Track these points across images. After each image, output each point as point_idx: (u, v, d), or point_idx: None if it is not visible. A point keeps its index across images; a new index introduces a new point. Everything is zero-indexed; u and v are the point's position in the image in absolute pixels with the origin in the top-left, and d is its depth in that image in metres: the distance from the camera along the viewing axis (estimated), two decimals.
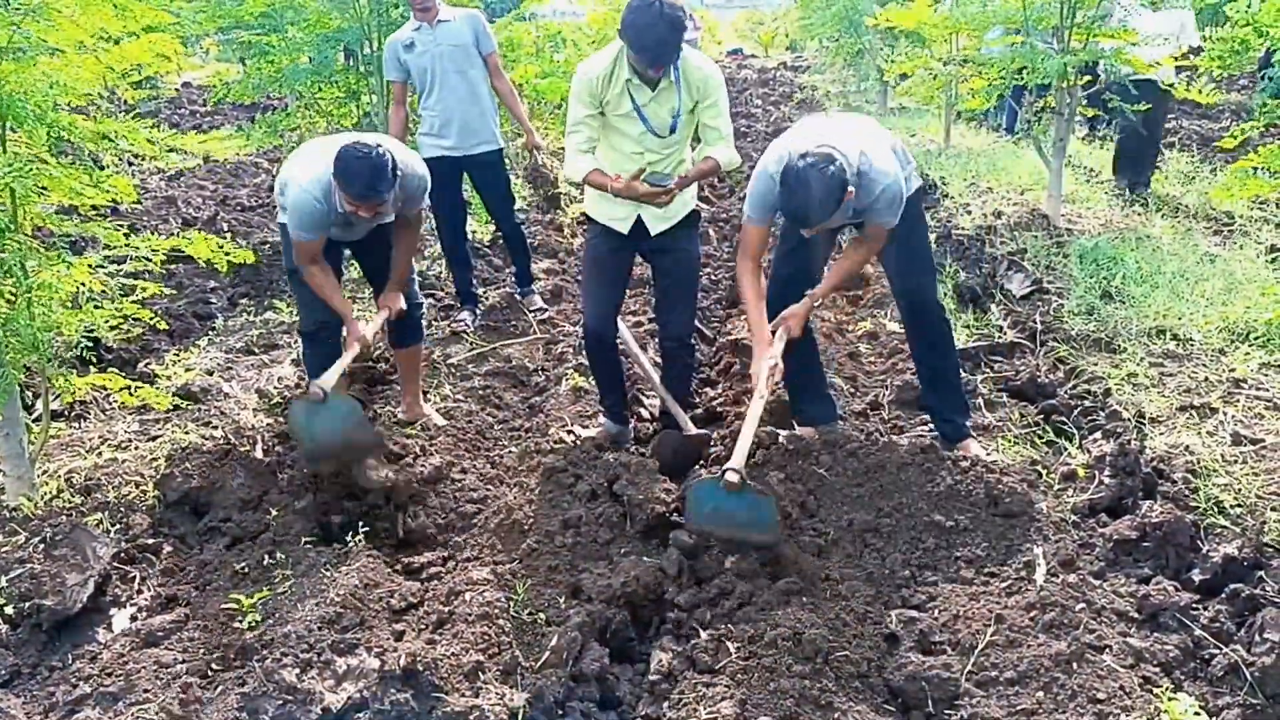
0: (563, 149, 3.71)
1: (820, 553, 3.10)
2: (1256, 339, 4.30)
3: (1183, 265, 5.34)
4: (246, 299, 6.13)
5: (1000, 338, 4.73)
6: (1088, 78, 6.53)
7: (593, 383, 4.37)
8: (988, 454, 3.54)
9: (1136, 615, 2.67)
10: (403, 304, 3.86)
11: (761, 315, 3.36)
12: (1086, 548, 2.98)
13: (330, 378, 3.56)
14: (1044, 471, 3.44)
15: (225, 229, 7.50)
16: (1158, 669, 2.47)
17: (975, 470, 3.27)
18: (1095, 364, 4.30)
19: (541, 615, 2.89)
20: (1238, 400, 3.77)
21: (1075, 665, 2.43)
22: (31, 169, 3.23)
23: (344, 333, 3.74)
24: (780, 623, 2.66)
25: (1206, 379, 4.03)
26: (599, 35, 10.95)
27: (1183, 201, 6.89)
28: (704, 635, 2.74)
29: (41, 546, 3.11)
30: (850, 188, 3.07)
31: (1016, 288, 5.40)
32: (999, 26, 7.26)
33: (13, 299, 3.30)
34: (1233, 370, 4.05)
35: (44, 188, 3.35)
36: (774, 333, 3.37)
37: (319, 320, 3.80)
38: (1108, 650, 2.50)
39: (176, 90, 15.98)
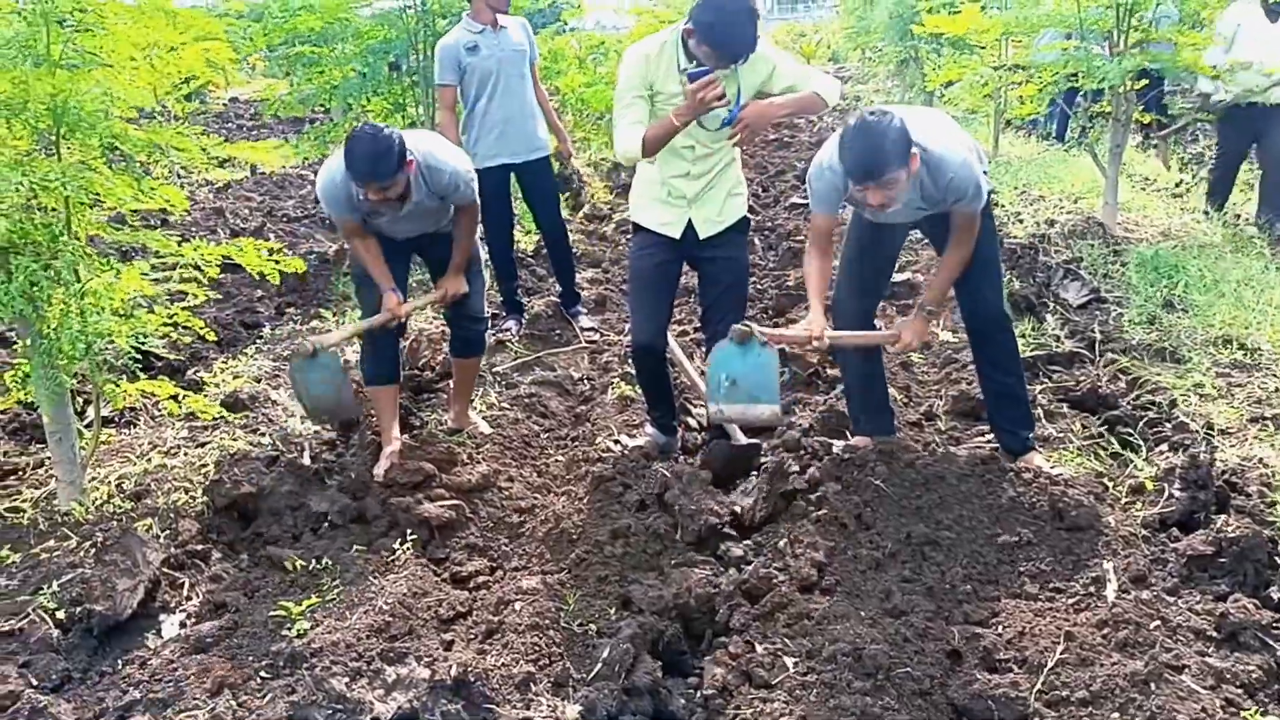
0: (600, 160, 3.67)
1: (878, 566, 3.01)
2: None
3: (1247, 274, 5.18)
4: (293, 308, 6.15)
5: (1058, 347, 4.60)
6: (1144, 82, 6.40)
7: (639, 392, 4.32)
8: (1051, 466, 3.43)
9: (1215, 634, 2.54)
10: (462, 287, 3.84)
11: (821, 292, 3.33)
12: (1159, 563, 2.86)
13: (330, 338, 3.58)
14: (1110, 484, 3.32)
15: (272, 239, 7.58)
16: (1240, 690, 2.35)
17: (1039, 482, 3.16)
18: (1159, 374, 4.16)
19: (592, 626, 2.83)
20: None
21: (1152, 685, 2.32)
22: (85, 177, 3.25)
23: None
24: (839, 637, 2.57)
25: (1278, 389, 3.89)
26: None
27: (1244, 210, 6.69)
28: (760, 649, 2.66)
29: (93, 552, 3.12)
30: (915, 150, 2.97)
31: (1073, 296, 5.26)
32: (1050, 31, 7.13)
33: (65, 306, 3.32)
34: None
35: (97, 195, 3.37)
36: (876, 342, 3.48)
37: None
38: (1186, 670, 2.39)
39: (224, 105, 16.25)
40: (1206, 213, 6.55)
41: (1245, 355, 4.24)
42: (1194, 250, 5.66)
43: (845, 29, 15.52)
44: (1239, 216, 6.67)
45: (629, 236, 4.36)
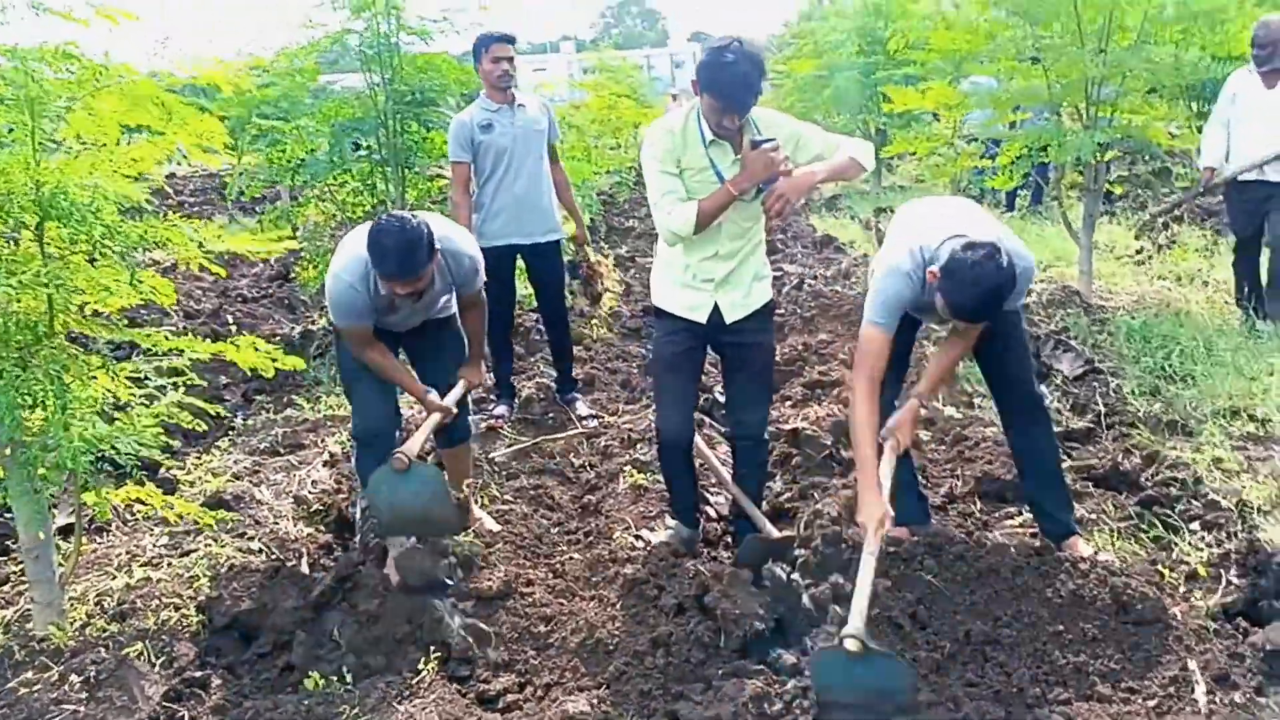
0: (602, 249, 3.56)
1: (938, 668, 2.86)
2: None
3: (1236, 341, 5.22)
4: (262, 395, 5.86)
5: (1068, 421, 4.55)
6: (1113, 153, 6.53)
7: (653, 481, 4.15)
8: (1095, 552, 3.33)
9: None
10: (484, 377, 3.71)
11: (872, 450, 3.03)
12: (1236, 659, 2.74)
13: (414, 444, 3.37)
14: (1165, 571, 3.22)
15: (230, 321, 7.27)
16: None
17: (1096, 573, 3.05)
18: (1174, 449, 4.12)
19: None
20: None
21: None
22: (71, 272, 3.01)
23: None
24: None
25: None
26: (599, 117, 10.96)
27: (1212, 275, 6.82)
28: None
29: (82, 686, 2.81)
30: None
31: (1068, 368, 5.26)
32: (979, 111, 7.22)
33: (47, 413, 3.04)
34: None
35: (82, 291, 3.13)
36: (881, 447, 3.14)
37: (373, 429, 3.56)
38: None
39: (163, 181, 15.81)
40: (1241, 305, 5.88)
41: (1256, 427, 4.24)
42: (1177, 318, 5.71)
43: (787, 105, 15.79)
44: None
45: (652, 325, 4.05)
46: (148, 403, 3.43)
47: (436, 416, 3.53)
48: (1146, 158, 10.73)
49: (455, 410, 3.61)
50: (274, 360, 3.51)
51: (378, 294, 3.32)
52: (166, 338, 3.33)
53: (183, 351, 3.46)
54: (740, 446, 3.65)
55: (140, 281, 3.21)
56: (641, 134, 21.40)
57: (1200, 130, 8.10)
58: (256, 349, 3.38)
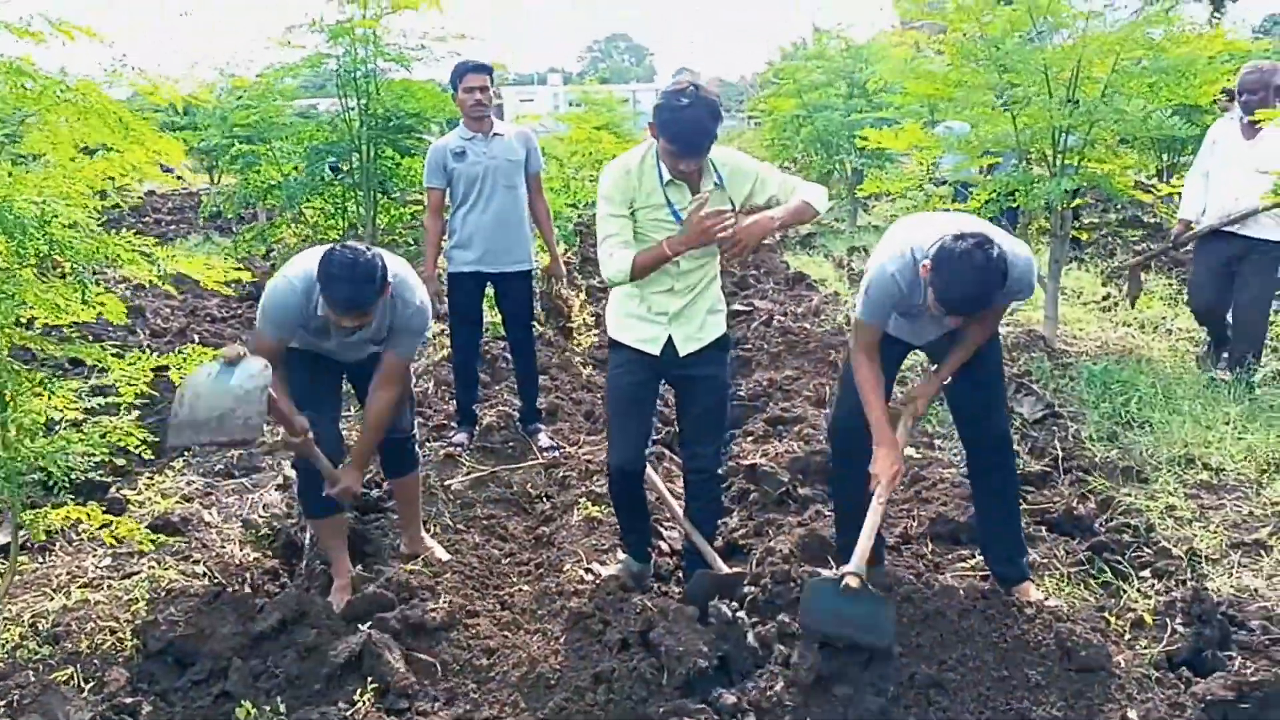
0: (576, 280, 3.56)
1: (882, 711, 2.83)
2: None
3: (1194, 390, 5.26)
4: None
5: (1025, 465, 4.56)
6: (1081, 200, 6.60)
7: (607, 514, 4.11)
8: (1045, 597, 3.32)
9: None
10: (357, 489, 3.50)
11: (883, 409, 3.20)
12: (1176, 708, 2.73)
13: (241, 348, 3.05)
14: (1111, 618, 3.21)
15: (196, 340, 7.20)
16: None
17: (1042, 618, 3.03)
18: (1129, 495, 4.13)
19: None
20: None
21: None
22: (16, 286, 2.97)
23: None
24: None
25: (1251, 513, 3.88)
26: (579, 149, 11.00)
27: (1175, 324, 6.89)
28: None
29: (5, 711, 2.74)
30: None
31: (1028, 411, 5.27)
32: (950, 155, 7.31)
33: None
34: (1276, 504, 3.90)
35: (30, 306, 3.09)
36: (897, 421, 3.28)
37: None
38: None
39: (141, 199, 15.77)
40: (1201, 361, 5.82)
41: (1210, 476, 4.25)
42: (1139, 365, 5.75)
43: (766, 142, 15.94)
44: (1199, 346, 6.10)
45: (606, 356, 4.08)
46: (89, 421, 3.37)
47: (283, 440, 3.31)
48: (1118, 205, 10.88)
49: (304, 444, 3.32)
50: None
51: (315, 315, 3.25)
52: (112, 355, 3.29)
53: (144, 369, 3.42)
54: (692, 480, 3.63)
55: (91, 298, 3.18)
56: None
57: (1172, 182, 8.24)
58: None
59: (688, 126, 3.05)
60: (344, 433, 3.80)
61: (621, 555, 3.76)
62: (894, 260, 3.11)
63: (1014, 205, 6.54)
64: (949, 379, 3.35)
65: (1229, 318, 5.63)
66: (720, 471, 3.71)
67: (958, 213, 3.51)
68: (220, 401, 2.89)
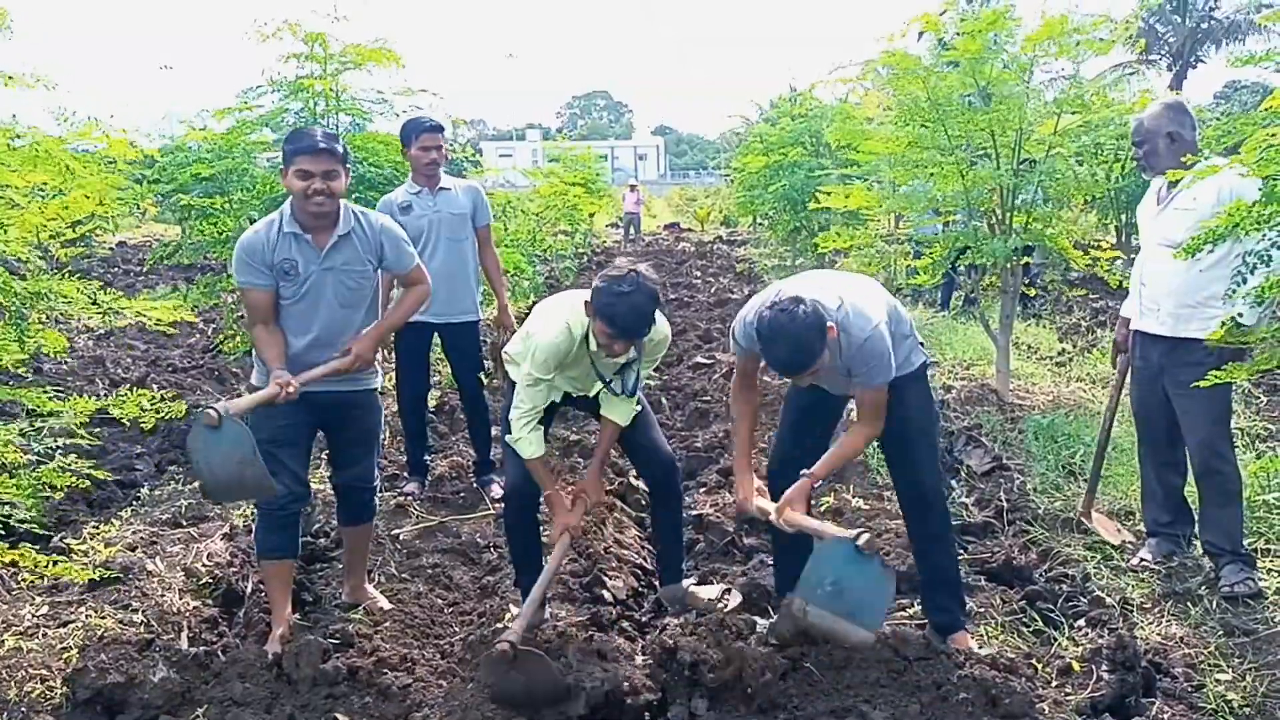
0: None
1: None
2: None
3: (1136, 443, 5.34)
4: (175, 465, 5.77)
5: (968, 515, 4.62)
6: (1027, 259, 6.76)
7: None
8: (978, 645, 3.35)
9: None
10: (370, 355, 3.61)
11: (747, 459, 3.50)
12: None
13: (234, 405, 3.23)
14: (1039, 665, 3.25)
15: (156, 390, 7.19)
16: None
17: (969, 665, 3.07)
18: (1068, 545, 4.20)
19: None
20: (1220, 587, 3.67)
21: None
22: None
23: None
24: None
25: (1183, 564, 3.95)
26: (549, 204, 11.15)
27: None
28: None
29: None
30: (831, 323, 3.03)
31: (977, 463, 5.35)
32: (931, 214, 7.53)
33: None
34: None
35: None
36: (772, 512, 3.36)
37: (278, 499, 3.46)
38: None
39: (110, 249, 15.79)
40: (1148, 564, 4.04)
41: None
42: (1086, 419, 5.85)
43: (737, 198, 16.23)
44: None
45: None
46: (26, 468, 3.38)
47: (270, 390, 3.36)
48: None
49: (293, 393, 3.37)
50: (158, 414, 3.48)
51: (280, 242, 3.40)
52: (52, 399, 3.31)
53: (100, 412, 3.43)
54: (656, 479, 3.81)
55: (28, 337, 3.21)
56: (595, 223, 21.89)
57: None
58: (142, 406, 3.36)
59: (628, 313, 3.19)
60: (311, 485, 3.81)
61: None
62: (751, 311, 3.29)
63: (968, 262, 6.69)
64: (819, 482, 3.46)
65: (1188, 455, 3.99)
66: (676, 463, 3.96)
67: (854, 276, 3.64)
68: (229, 470, 3.19)
